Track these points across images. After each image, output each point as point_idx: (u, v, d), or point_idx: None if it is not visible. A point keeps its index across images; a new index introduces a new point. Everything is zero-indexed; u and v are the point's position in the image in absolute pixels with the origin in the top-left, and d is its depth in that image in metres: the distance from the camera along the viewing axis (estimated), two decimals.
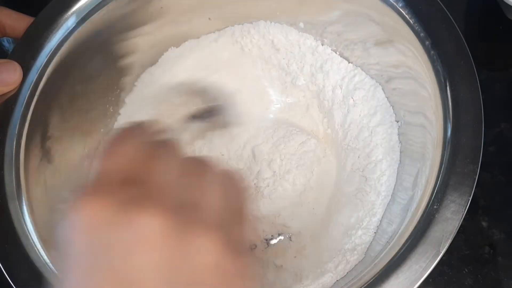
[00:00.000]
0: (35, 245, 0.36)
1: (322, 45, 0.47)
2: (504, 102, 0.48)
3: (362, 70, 0.47)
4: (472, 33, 0.51)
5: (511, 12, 0.47)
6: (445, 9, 0.38)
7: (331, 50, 0.48)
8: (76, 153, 0.45)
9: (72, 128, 0.45)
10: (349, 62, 0.47)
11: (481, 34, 0.51)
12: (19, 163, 0.39)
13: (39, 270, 0.35)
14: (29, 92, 0.40)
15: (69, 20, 0.41)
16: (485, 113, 0.35)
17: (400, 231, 0.35)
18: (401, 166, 0.43)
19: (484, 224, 0.44)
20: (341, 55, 0.48)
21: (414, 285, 0.31)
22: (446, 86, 0.36)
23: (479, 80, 0.36)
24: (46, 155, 0.42)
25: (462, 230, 0.44)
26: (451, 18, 0.38)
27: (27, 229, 0.37)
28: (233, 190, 0.23)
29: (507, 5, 0.44)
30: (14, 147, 0.39)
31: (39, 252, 0.36)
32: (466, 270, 0.43)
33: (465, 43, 0.37)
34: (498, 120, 0.47)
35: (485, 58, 0.49)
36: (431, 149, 0.37)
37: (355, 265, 0.40)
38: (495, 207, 0.45)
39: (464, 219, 0.44)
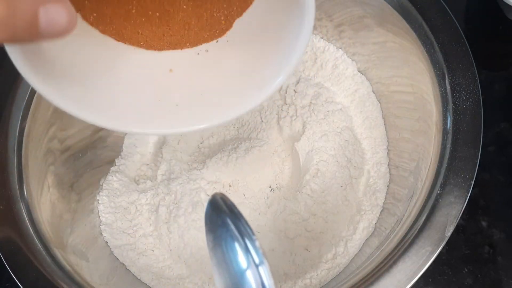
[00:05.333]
0: (41, 246, 0.36)
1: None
2: (504, 102, 0.48)
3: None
4: (472, 33, 0.51)
5: (511, 12, 0.47)
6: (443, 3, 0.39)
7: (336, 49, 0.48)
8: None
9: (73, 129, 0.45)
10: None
11: (481, 34, 0.51)
12: (21, 165, 0.39)
13: (46, 271, 0.35)
14: (28, 93, 0.40)
15: None
16: (485, 113, 0.36)
17: (404, 217, 0.35)
18: (399, 156, 0.44)
19: (484, 224, 0.44)
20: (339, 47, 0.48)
21: (421, 269, 0.32)
22: (444, 74, 0.37)
23: (479, 80, 0.36)
24: (49, 156, 0.42)
25: (462, 230, 0.44)
26: (447, 7, 0.38)
27: (32, 230, 0.37)
28: None
29: (507, 5, 0.44)
30: (16, 149, 0.39)
31: (45, 253, 0.36)
32: (466, 270, 0.43)
33: (460, 29, 0.38)
34: (498, 120, 0.48)
35: (485, 58, 0.50)
36: (431, 137, 0.37)
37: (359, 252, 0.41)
38: (495, 207, 0.45)
39: (464, 219, 0.44)
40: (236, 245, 0.21)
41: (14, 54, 0.22)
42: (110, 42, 0.27)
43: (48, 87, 0.23)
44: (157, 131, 0.26)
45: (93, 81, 0.26)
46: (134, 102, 0.26)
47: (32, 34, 0.19)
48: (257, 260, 0.20)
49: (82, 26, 0.26)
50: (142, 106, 0.26)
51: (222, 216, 0.22)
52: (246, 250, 0.21)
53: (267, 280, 0.20)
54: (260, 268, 0.20)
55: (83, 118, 0.24)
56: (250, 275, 0.20)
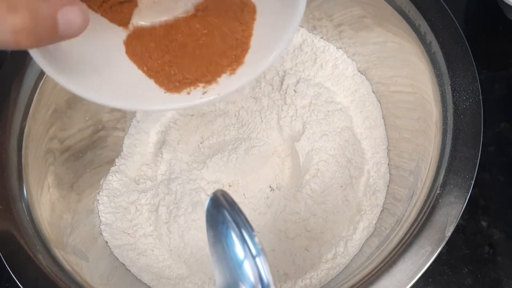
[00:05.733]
0: (41, 246, 0.36)
1: None
2: (504, 102, 0.48)
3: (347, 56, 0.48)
4: (472, 33, 0.51)
5: (511, 12, 0.47)
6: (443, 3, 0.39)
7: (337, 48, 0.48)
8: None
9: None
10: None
11: (481, 34, 0.51)
12: (21, 165, 0.39)
13: (46, 271, 0.35)
14: (29, 93, 0.40)
15: None
16: (485, 113, 0.36)
17: (404, 217, 0.36)
18: (399, 156, 0.44)
19: (484, 224, 0.44)
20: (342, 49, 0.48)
21: (421, 269, 0.32)
22: (444, 74, 0.37)
23: (479, 80, 0.36)
24: (49, 156, 0.42)
25: (462, 230, 0.44)
26: (446, 7, 0.38)
27: (32, 230, 0.37)
28: None
29: (507, 5, 0.44)
30: (16, 149, 0.39)
31: (45, 253, 0.36)
32: (466, 270, 0.43)
33: (460, 29, 0.38)
34: (498, 120, 0.48)
35: (485, 58, 0.49)
36: (431, 137, 0.37)
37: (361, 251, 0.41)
38: (495, 207, 0.45)
39: (464, 219, 0.44)
40: (235, 238, 0.21)
41: (38, 57, 0.24)
42: (115, 29, 0.28)
43: (71, 82, 0.26)
44: (178, 106, 0.28)
45: (106, 68, 0.28)
46: (146, 82, 0.28)
47: (52, 37, 0.21)
48: (254, 252, 0.21)
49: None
50: (152, 85, 0.28)
51: (223, 213, 0.22)
52: (243, 242, 0.21)
53: (265, 272, 0.20)
54: (257, 259, 0.20)
55: (110, 104, 0.26)
56: (247, 267, 0.21)
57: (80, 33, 0.22)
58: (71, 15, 0.21)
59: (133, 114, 0.50)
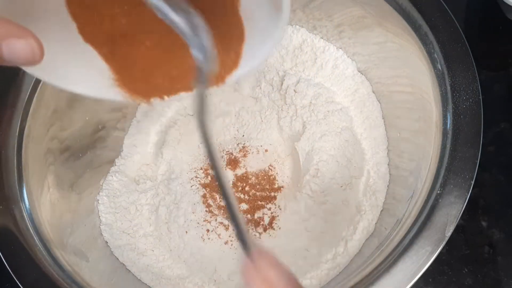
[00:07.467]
0: (41, 246, 0.37)
1: None
2: (504, 102, 0.48)
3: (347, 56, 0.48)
4: (472, 33, 0.51)
5: (511, 12, 0.47)
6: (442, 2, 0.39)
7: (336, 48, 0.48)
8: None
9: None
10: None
11: (481, 34, 0.51)
12: (21, 165, 0.39)
13: (46, 271, 0.35)
14: (28, 93, 0.40)
15: None
16: (485, 113, 0.36)
17: (404, 217, 0.36)
18: (399, 156, 0.43)
19: (484, 224, 0.44)
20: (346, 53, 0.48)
21: (421, 269, 0.32)
22: (444, 74, 0.37)
23: (479, 80, 0.36)
24: (49, 156, 0.42)
25: (462, 230, 0.44)
26: (446, 7, 0.38)
27: (32, 230, 0.37)
28: None
29: (507, 5, 0.44)
30: (16, 149, 0.39)
31: (45, 253, 0.36)
32: (466, 270, 0.43)
33: (460, 29, 0.38)
34: (498, 120, 0.48)
35: (485, 58, 0.49)
36: (431, 137, 0.37)
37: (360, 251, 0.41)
38: (495, 207, 0.45)
39: (464, 219, 0.44)
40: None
41: None
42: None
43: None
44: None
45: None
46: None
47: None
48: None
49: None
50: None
51: None
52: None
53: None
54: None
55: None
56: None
57: (31, 64, 0.24)
58: (16, 45, 0.23)
59: (133, 114, 0.50)
